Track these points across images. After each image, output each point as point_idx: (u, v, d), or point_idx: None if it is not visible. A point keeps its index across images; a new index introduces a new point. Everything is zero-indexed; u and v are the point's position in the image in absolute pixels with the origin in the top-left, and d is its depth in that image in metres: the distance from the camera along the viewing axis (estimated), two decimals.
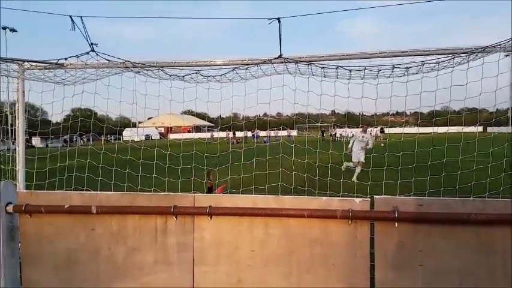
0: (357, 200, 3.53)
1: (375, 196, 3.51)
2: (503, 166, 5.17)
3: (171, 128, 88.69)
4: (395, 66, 4.84)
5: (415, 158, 5.64)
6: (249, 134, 45.70)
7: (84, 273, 3.93)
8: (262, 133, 44.35)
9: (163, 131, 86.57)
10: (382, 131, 40.10)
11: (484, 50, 4.64)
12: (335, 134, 41.84)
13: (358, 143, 14.63)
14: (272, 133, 41.74)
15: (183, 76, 5.63)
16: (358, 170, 12.78)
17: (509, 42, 4.63)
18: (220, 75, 5.50)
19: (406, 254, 3.40)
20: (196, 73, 5.49)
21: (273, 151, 7.01)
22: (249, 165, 6.00)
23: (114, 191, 4.10)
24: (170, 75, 5.77)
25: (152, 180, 5.91)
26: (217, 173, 5.49)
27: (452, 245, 3.35)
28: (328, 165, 6.04)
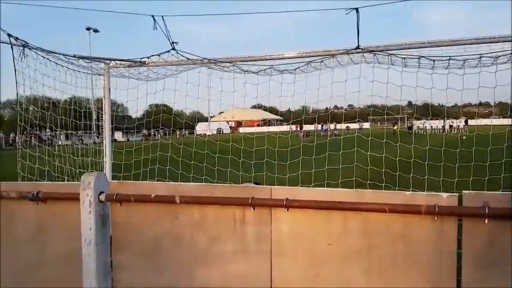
0: (444, 195, 3.35)
1: (463, 191, 3.30)
2: None
3: (241, 122, 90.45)
4: (482, 55, 4.47)
5: (505, 152, 5.21)
6: (322, 127, 45.02)
7: (169, 259, 4.16)
8: (332, 126, 43.43)
9: (233, 125, 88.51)
10: (466, 123, 37.39)
11: None
12: (411, 126, 39.66)
13: None
14: (344, 126, 40.77)
15: (257, 71, 5.70)
16: None
17: None
18: (295, 69, 5.48)
19: (496, 253, 3.17)
20: (270, 67, 5.53)
21: (346, 145, 6.85)
22: (320, 159, 5.94)
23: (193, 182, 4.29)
24: (244, 71, 5.88)
25: (228, 173, 6.08)
26: (287, 167, 5.51)
27: None
28: (411, 160, 5.78)
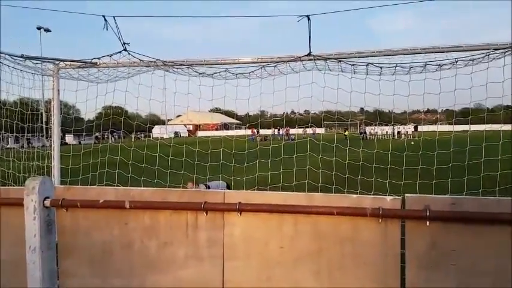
0: (388, 198, 3.49)
1: (406, 194, 3.46)
2: None
3: (199, 125, 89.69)
4: (427, 63, 4.73)
5: (451, 157, 5.51)
6: (279, 131, 45.57)
7: (119, 265, 4.05)
8: (292, 131, 44.10)
9: (191, 129, 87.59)
10: (415, 129, 39.21)
11: None
12: (364, 131, 41.16)
13: None
14: (300, 131, 41.49)
15: (212, 74, 5.70)
16: None
17: None
18: (249, 72, 5.53)
19: (437, 254, 3.34)
20: (225, 70, 5.55)
21: (300, 149, 6.98)
22: (276, 162, 6.02)
23: (143, 187, 4.21)
24: (199, 73, 5.85)
25: (181, 176, 6.01)
26: (244, 169, 5.54)
27: (486, 245, 3.26)
28: (359, 163, 5.98)
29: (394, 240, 3.45)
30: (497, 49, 4.64)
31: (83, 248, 4.18)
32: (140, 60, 6.00)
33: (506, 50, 4.49)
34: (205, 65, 6.11)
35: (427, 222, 3.31)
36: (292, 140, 36.30)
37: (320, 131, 43.57)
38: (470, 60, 4.64)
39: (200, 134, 67.35)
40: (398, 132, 39.44)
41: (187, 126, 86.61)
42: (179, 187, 5.18)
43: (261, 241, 3.76)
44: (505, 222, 3.20)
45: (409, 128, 39.85)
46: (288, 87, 5.37)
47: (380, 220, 3.44)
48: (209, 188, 6.82)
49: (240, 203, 3.72)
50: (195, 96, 5.85)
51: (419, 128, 36.72)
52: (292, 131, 43.45)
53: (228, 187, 6.89)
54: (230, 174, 6.68)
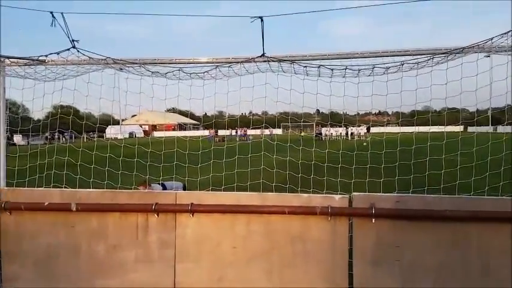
0: (337, 197, 3.60)
1: (353, 193, 3.58)
2: (487, 165, 5.29)
3: (154, 125, 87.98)
4: (375, 66, 4.91)
5: (398, 156, 5.74)
6: (236, 132, 45.62)
7: (65, 270, 3.90)
8: (250, 132, 44.34)
9: (147, 129, 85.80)
10: (368, 130, 40.60)
11: (463, 51, 4.74)
12: (320, 133, 42.14)
13: None
14: (258, 131, 41.78)
15: (166, 73, 5.60)
16: None
17: (488, 43, 4.75)
18: (203, 73, 5.49)
19: (383, 250, 3.48)
20: (178, 70, 5.48)
21: (255, 149, 7.03)
22: (231, 162, 6.02)
23: (94, 188, 4.08)
24: (152, 72, 5.74)
25: (133, 178, 5.86)
26: (198, 170, 5.48)
27: (429, 241, 3.43)
28: (312, 162, 6.10)
29: (342, 237, 3.56)
30: (442, 53, 4.91)
31: (28, 252, 3.99)
32: (90, 58, 5.79)
33: (448, 54, 4.76)
34: (159, 64, 5.99)
35: (373, 220, 3.44)
36: (249, 140, 36.46)
37: (277, 131, 44.04)
38: (415, 63, 4.87)
39: (156, 134, 66.11)
40: (352, 134, 40.68)
41: (142, 126, 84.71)
42: (131, 189, 5.05)
43: (213, 242, 3.75)
44: (446, 219, 3.38)
45: (362, 130, 41.23)
46: (242, 87, 5.37)
47: (329, 218, 3.53)
48: (165, 187, 6.67)
49: (192, 204, 3.70)
50: (148, 96, 5.71)
51: (372, 130, 38.11)
52: (249, 131, 43.67)
53: (185, 188, 6.78)
54: (184, 175, 6.59)
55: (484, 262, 3.34)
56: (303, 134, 40.16)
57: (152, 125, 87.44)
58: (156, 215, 3.77)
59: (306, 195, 3.67)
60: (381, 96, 5.20)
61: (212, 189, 4.96)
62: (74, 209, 3.76)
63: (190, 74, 5.57)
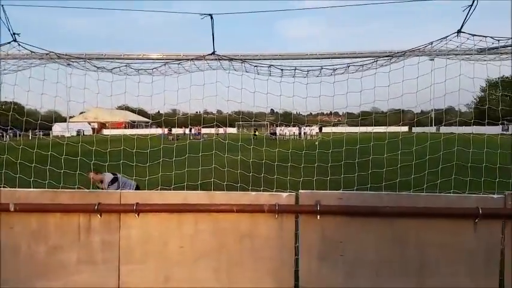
0: (284, 194, 3.65)
1: (300, 190, 3.65)
2: (426, 164, 5.57)
3: (104, 123, 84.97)
4: (323, 67, 5.04)
5: (344, 155, 5.92)
6: (190, 130, 45.09)
7: (4, 272, 3.68)
8: (204, 130, 43.98)
9: (96, 126, 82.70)
10: (320, 130, 41.55)
11: (405, 54, 4.98)
12: (274, 132, 42.63)
13: None
14: (213, 130, 41.53)
15: (112, 69, 5.43)
16: None
17: (428, 47, 5.02)
18: (152, 69, 5.38)
19: (327, 245, 3.58)
20: (125, 66, 5.32)
21: (208, 148, 6.99)
22: (181, 161, 5.95)
23: (34, 188, 3.88)
24: (98, 68, 5.54)
25: (76, 177, 5.64)
26: (147, 169, 5.35)
27: (370, 236, 3.57)
28: (262, 161, 6.16)
29: (289, 234, 3.62)
30: (385, 56, 5.13)
31: None
32: (32, 52, 5.51)
33: (391, 57, 4.98)
34: (106, 59, 5.79)
35: (318, 216, 3.53)
36: (204, 139, 36.16)
37: (232, 130, 44.06)
38: (360, 65, 5.05)
39: (106, 132, 63.88)
40: (305, 133, 41.50)
41: (91, 124, 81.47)
42: (74, 188, 4.85)
43: (159, 242, 3.69)
44: (385, 215, 3.53)
45: (314, 130, 42.20)
46: (192, 85, 5.31)
47: (276, 215, 3.58)
48: (117, 178, 6.41)
49: (137, 203, 3.61)
50: (93, 92, 5.50)
51: (324, 130, 39.12)
52: (204, 130, 43.31)
53: (138, 188, 6.57)
54: (131, 174, 6.42)
55: (421, 255, 3.52)
56: (257, 133, 40.43)
57: (101, 123, 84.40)
58: (99, 215, 3.65)
59: (254, 193, 3.70)
60: (332, 97, 5.34)
61: (162, 189, 4.88)
62: (12, 209, 3.57)
63: (139, 70, 5.44)
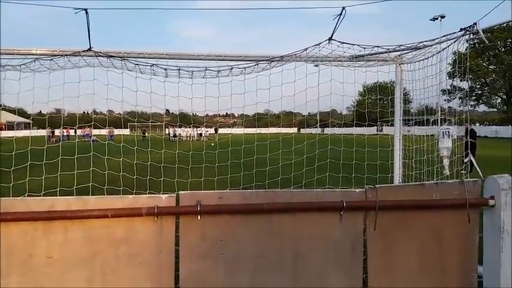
0: (163, 196, 3.59)
1: (180, 192, 3.62)
2: (304, 162, 5.93)
3: None
4: (207, 68, 5.09)
5: (230, 156, 6.04)
6: (74, 132, 41.88)
7: None
8: (94, 132, 41.24)
9: None
10: (216, 131, 42.00)
11: (283, 59, 5.27)
12: (174, 134, 41.88)
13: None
14: (104, 132, 39.29)
15: None
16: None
17: (304, 53, 5.38)
18: (20, 65, 4.88)
19: (208, 245, 3.61)
20: None
21: (85, 150, 6.57)
22: (54, 165, 5.48)
23: None
24: None
25: None
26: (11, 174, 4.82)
27: (249, 233, 3.69)
28: (148, 163, 5.98)
29: (168, 237, 3.57)
30: (266, 60, 5.37)
31: None
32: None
33: (270, 61, 5.23)
34: None
35: (199, 216, 3.54)
36: (93, 141, 33.99)
37: (125, 132, 42.02)
38: (243, 68, 5.21)
39: None
40: (201, 134, 41.57)
41: None
42: None
43: (24, 253, 3.35)
44: (264, 211, 3.68)
45: (207, 131, 42.57)
46: (66, 82, 4.94)
47: (156, 218, 3.50)
48: None
49: None
50: None
51: (220, 131, 39.63)
52: (94, 131, 40.66)
53: None
54: None
55: (295, 248, 3.74)
56: (147, 134, 39.31)
57: None
58: None
59: (131, 196, 3.57)
60: (225, 98, 5.41)
61: (30, 196, 4.43)
62: None
63: (4, 66, 4.88)
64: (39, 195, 4.53)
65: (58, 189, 4.93)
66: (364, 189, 3.83)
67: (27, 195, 4.52)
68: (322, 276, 3.77)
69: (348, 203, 3.70)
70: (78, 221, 3.42)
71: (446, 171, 11.54)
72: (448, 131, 16.50)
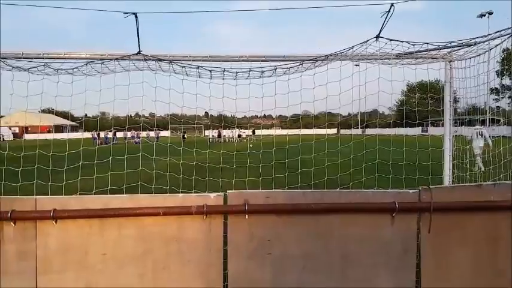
0: (212, 195, 3.63)
1: (228, 191, 3.65)
2: (351, 163, 5.82)
3: (26, 127, 79.10)
4: (251, 69, 5.10)
5: (273, 156, 6.03)
6: (129, 134, 43.32)
7: None
8: (142, 134, 42.64)
9: (17, 131, 76.73)
10: (253, 133, 42.16)
11: (328, 58, 5.20)
12: (218, 134, 42.54)
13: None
14: (152, 133, 40.50)
15: (29, 68, 5.07)
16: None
17: (350, 51, 5.28)
18: (73, 69, 5.10)
19: (255, 245, 3.61)
20: (43, 65, 5.00)
21: (139, 151, 6.76)
22: (106, 165, 5.68)
23: None
24: (13, 67, 5.14)
25: None
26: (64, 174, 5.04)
27: (296, 233, 3.66)
28: (193, 163, 6.09)
29: (217, 235, 3.60)
30: (310, 60, 5.31)
31: None
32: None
33: (315, 61, 5.17)
34: (24, 58, 5.41)
35: (246, 216, 3.55)
36: (136, 143, 35.09)
37: (166, 134, 43.08)
38: (287, 68, 5.19)
39: (28, 137, 59.47)
40: (239, 136, 41.93)
41: (12, 128, 75.34)
42: None
43: (80, 250, 3.49)
44: (311, 212, 3.64)
45: (244, 132, 42.82)
46: (116, 85, 5.11)
47: (205, 217, 3.55)
48: None
49: (55, 209, 3.39)
50: (7, 93, 5.09)
51: (257, 132, 39.76)
52: (142, 133, 42.01)
53: None
54: (47, 180, 5.99)
55: (343, 250, 3.67)
56: (186, 136, 40.14)
57: (23, 127, 78.54)
58: (12, 223, 3.38)
59: (181, 195, 3.64)
60: (266, 99, 5.42)
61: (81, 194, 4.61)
62: None
63: (58, 69, 5.12)
64: (91, 194, 4.70)
65: (109, 187, 5.10)
66: (417, 190, 3.70)
67: (79, 194, 4.70)
68: (372, 279, 3.68)
69: (401, 204, 3.59)
70: (132, 219, 3.52)
71: (482, 168, 11.98)
72: (482, 131, 17.26)
